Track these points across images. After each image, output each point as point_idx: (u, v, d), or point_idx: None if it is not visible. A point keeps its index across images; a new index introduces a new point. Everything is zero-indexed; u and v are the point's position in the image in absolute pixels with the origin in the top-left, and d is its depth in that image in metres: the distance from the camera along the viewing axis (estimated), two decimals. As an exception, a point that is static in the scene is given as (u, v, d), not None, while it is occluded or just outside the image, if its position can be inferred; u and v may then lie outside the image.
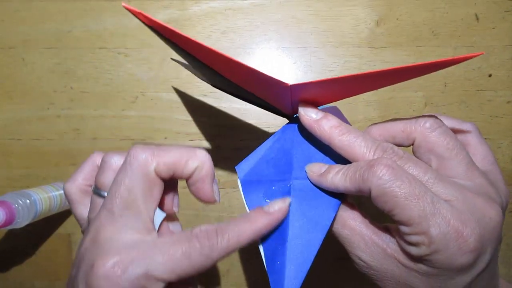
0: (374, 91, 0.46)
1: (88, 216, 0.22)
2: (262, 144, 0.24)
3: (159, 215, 0.21)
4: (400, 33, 0.46)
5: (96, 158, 0.25)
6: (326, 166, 0.22)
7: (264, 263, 0.21)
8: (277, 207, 0.21)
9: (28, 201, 0.37)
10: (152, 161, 0.20)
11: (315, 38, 0.47)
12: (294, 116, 0.25)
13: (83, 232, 0.24)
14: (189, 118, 0.47)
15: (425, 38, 0.46)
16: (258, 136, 0.47)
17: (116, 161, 0.22)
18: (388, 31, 0.46)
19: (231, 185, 0.47)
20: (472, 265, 0.18)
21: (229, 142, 0.47)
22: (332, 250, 0.46)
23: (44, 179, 0.47)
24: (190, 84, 0.47)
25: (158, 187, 0.20)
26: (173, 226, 0.23)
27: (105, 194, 0.21)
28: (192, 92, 0.47)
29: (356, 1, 0.46)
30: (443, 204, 0.18)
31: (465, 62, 0.46)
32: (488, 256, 0.19)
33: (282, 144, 0.24)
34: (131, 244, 0.18)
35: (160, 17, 0.47)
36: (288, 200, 0.21)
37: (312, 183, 0.22)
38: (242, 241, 0.19)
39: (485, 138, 0.31)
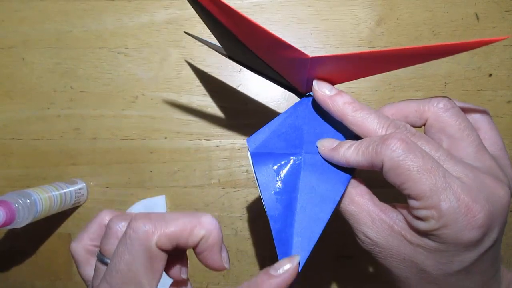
0: (374, 91, 0.46)
1: (92, 282, 0.22)
2: (274, 119, 0.24)
3: (166, 283, 0.20)
4: (400, 32, 0.46)
5: (104, 218, 0.24)
6: (338, 141, 0.22)
7: (272, 234, 0.21)
8: (286, 267, 0.19)
9: (28, 201, 0.37)
10: (153, 234, 0.19)
11: (315, 38, 0.47)
12: (307, 94, 0.25)
13: None
14: (189, 118, 0.47)
15: (425, 37, 0.46)
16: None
17: (121, 227, 0.21)
18: (388, 31, 0.46)
19: (231, 185, 0.47)
20: (479, 241, 0.18)
21: (229, 142, 0.47)
22: (333, 248, 0.46)
23: (44, 179, 0.47)
24: (190, 84, 0.47)
25: (161, 260, 0.19)
26: None
27: (109, 261, 0.20)
28: (192, 92, 0.47)
29: (357, 1, 0.46)
30: (455, 180, 0.18)
31: (465, 62, 0.46)
32: (495, 235, 0.19)
33: (293, 120, 0.24)
34: None
35: (160, 17, 0.47)
36: (296, 258, 0.20)
37: (323, 158, 0.23)
38: None
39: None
